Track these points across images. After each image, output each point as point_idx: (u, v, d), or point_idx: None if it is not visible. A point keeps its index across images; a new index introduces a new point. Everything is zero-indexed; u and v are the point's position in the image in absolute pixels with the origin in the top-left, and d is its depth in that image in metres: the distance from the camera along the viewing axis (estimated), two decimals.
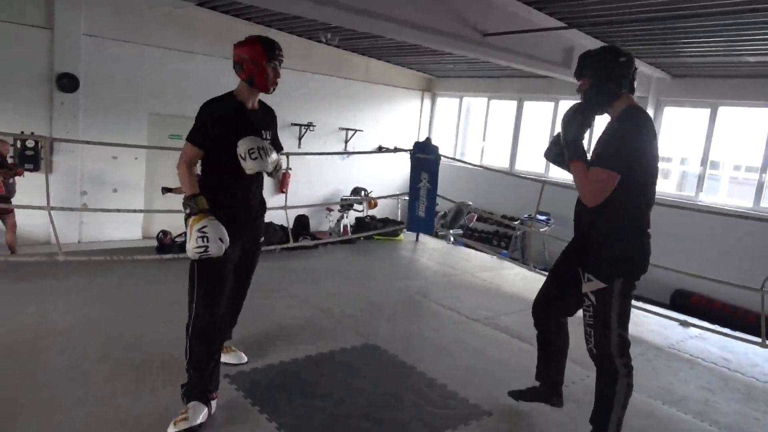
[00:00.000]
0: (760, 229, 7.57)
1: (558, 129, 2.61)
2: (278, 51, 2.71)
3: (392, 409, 2.96)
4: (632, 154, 2.35)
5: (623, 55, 2.47)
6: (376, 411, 2.91)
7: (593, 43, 7.84)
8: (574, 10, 6.65)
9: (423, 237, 7.31)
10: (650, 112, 9.66)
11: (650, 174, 2.42)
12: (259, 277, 4.99)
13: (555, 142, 2.63)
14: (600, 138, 2.55)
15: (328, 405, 2.92)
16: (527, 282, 5.79)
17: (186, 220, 2.56)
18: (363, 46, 10.63)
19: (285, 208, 5.87)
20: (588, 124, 2.52)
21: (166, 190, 7.71)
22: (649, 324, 4.84)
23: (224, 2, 8.64)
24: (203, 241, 2.49)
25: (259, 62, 2.65)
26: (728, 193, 9.36)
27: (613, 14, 6.54)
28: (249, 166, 2.61)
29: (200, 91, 10.56)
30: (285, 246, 5.81)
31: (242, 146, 2.61)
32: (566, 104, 11.08)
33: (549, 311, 2.83)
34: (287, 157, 5.89)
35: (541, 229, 9.61)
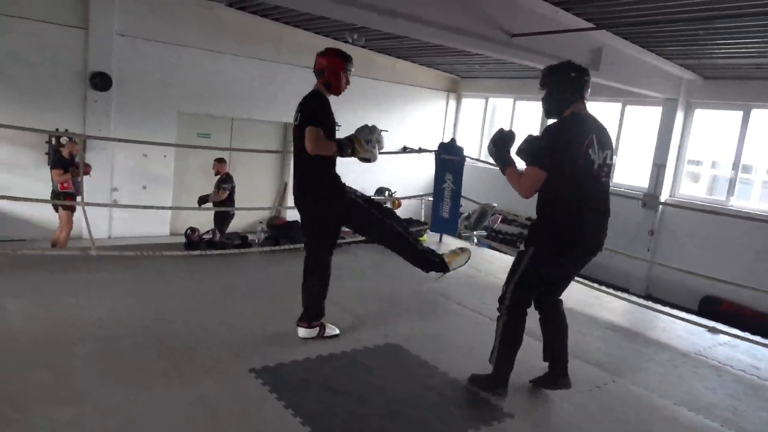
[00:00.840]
0: None
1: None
2: (351, 64, 3.41)
3: (414, 407, 2.98)
4: (555, 152, 2.79)
5: (574, 71, 2.93)
6: (398, 409, 2.93)
7: (622, 44, 7.76)
8: (603, 11, 6.58)
9: (446, 238, 7.30)
10: (680, 114, 9.51)
11: (578, 170, 2.80)
12: (285, 275, 5.09)
13: (490, 153, 3.15)
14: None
15: (350, 402, 2.95)
16: None
17: (352, 152, 3.33)
18: (389, 46, 10.66)
19: None
20: (508, 148, 3.06)
21: (202, 201, 7.94)
22: (676, 330, 4.76)
23: (252, 2, 8.76)
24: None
25: (337, 71, 3.33)
26: (761, 197, 9.15)
27: (642, 15, 6.46)
28: (376, 154, 3.41)
29: (229, 91, 10.80)
30: None
31: (372, 133, 3.38)
32: (594, 105, 10.94)
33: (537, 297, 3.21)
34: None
35: None
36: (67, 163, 7.40)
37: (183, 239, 5.77)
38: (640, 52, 8.06)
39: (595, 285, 5.78)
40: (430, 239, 7.24)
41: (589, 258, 3.05)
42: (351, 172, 12.68)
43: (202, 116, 10.04)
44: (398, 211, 11.75)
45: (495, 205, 9.44)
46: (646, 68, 8.58)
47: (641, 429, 3.04)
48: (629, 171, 10.43)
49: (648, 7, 6.14)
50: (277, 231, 5.95)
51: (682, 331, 4.72)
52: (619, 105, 10.45)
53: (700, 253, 8.59)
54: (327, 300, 3.96)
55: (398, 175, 12.04)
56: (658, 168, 9.62)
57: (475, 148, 12.80)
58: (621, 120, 10.49)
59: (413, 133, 12.64)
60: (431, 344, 3.84)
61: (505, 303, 3.05)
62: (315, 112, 3.27)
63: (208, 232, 5.87)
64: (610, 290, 5.69)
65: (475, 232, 9.08)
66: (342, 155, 3.32)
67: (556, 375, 3.19)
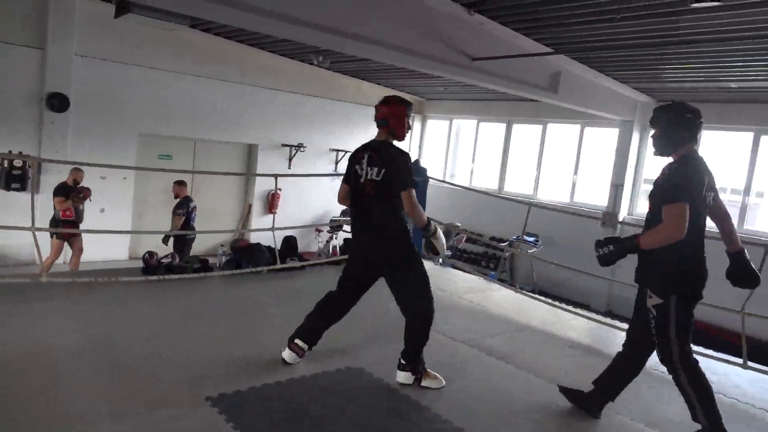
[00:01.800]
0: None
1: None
2: (412, 109, 3.50)
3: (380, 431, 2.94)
4: (692, 188, 2.83)
5: (691, 112, 2.96)
6: None
7: (580, 68, 8.01)
8: (560, 37, 6.79)
9: None
10: (636, 135, 9.83)
11: (701, 209, 2.90)
12: (244, 299, 5.01)
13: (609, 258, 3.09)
14: (659, 179, 2.99)
15: (311, 428, 2.90)
16: (513, 304, 5.80)
17: (432, 236, 3.44)
18: (354, 69, 10.76)
19: (273, 229, 5.87)
20: (621, 242, 3.03)
21: (166, 238, 7.81)
22: None
23: (216, 24, 8.75)
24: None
25: (401, 117, 3.42)
26: None
27: (597, 40, 6.68)
28: (444, 248, 3.64)
29: (191, 112, 10.70)
30: (272, 267, 5.80)
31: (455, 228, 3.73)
32: (554, 127, 11.23)
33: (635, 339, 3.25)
34: (275, 179, 5.93)
35: (529, 251, 9.66)
36: (68, 190, 7.22)
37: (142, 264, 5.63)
38: (597, 76, 8.33)
39: (556, 303, 5.85)
40: None
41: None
42: (321, 193, 12.59)
43: (164, 138, 9.89)
44: None
45: (459, 224, 9.53)
46: (603, 91, 8.86)
47: None
48: (589, 191, 10.69)
49: (602, 33, 6.36)
50: (239, 254, 5.85)
51: None
52: (578, 127, 10.74)
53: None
54: (287, 321, 3.92)
55: None
56: (616, 188, 9.90)
57: (440, 168, 12.94)
58: (580, 141, 10.78)
59: None
60: (395, 367, 3.81)
61: (674, 358, 2.97)
62: (408, 172, 3.33)
63: (166, 255, 5.74)
64: (570, 308, 5.77)
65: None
66: (426, 233, 3.42)
67: (593, 403, 3.32)
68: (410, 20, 6.14)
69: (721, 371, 4.36)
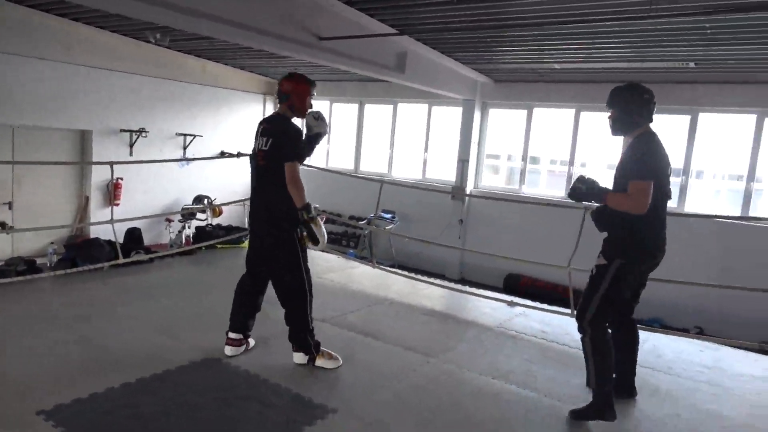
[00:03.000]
0: (571, 215, 8.60)
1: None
2: (315, 87, 3.56)
3: (235, 422, 2.86)
4: (652, 165, 2.94)
5: (647, 93, 3.06)
6: (215, 428, 2.80)
7: (424, 49, 8.32)
8: (403, 18, 6.97)
9: None
10: (477, 113, 10.51)
11: (664, 183, 3.02)
12: (83, 300, 4.56)
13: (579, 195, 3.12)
14: (624, 157, 3.08)
15: (162, 428, 2.74)
16: (372, 279, 5.97)
17: (308, 221, 3.31)
18: (197, 48, 10.13)
19: (112, 222, 5.38)
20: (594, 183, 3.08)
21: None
22: (482, 308, 5.25)
23: None
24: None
25: (303, 95, 3.47)
26: (547, 184, 10.51)
27: (438, 22, 6.98)
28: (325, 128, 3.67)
29: (7, 95, 9.34)
30: (114, 263, 5.34)
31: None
32: (404, 107, 11.61)
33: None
34: (111, 167, 5.45)
35: (386, 227, 9.98)
36: None
37: None
38: (440, 56, 8.72)
39: (411, 275, 6.13)
40: None
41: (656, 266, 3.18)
42: (170, 180, 11.84)
43: None
44: (219, 219, 11.33)
45: (317, 206, 9.51)
46: (446, 72, 9.32)
47: (452, 402, 3.29)
48: (439, 167, 11.26)
49: (442, 15, 6.65)
50: (73, 251, 5.30)
51: (487, 308, 5.22)
52: (426, 106, 11.22)
53: (502, 236, 9.59)
54: (135, 319, 3.65)
55: (217, 182, 11.54)
56: (463, 163, 10.53)
57: None
58: (429, 120, 11.28)
59: (231, 138, 12.20)
60: (252, 353, 3.73)
61: (586, 318, 3.05)
62: (294, 144, 3.37)
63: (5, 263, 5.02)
64: (424, 278, 6.08)
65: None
66: (305, 214, 3.33)
67: (631, 383, 3.40)
68: None
69: (555, 323, 4.87)
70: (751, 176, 7.95)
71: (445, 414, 3.15)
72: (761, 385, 3.90)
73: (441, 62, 8.95)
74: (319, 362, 3.53)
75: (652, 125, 3.10)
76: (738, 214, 8.00)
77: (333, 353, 3.61)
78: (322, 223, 3.47)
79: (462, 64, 9.28)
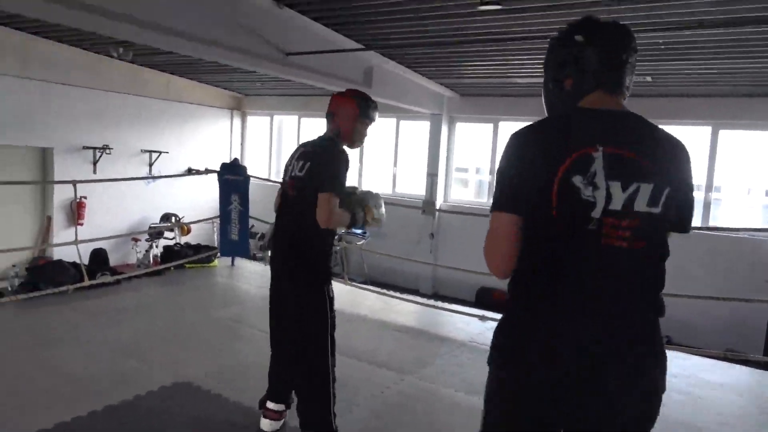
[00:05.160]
0: None
1: None
2: (374, 111, 2.90)
3: None
4: None
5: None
6: None
7: (391, 65, 8.42)
8: (369, 33, 7.05)
9: (240, 261, 7.10)
10: (445, 127, 10.65)
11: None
12: (46, 325, 4.42)
13: None
14: None
15: None
16: (344, 296, 5.93)
17: (360, 221, 2.95)
18: (162, 62, 10.01)
19: (76, 243, 5.23)
20: None
21: None
22: (455, 323, 5.28)
23: None
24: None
25: (350, 118, 2.81)
26: None
27: (404, 38, 7.08)
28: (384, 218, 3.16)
29: None
30: (79, 285, 5.19)
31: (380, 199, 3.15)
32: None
33: None
34: (74, 186, 5.32)
35: (358, 243, 9.97)
36: None
37: None
38: (406, 71, 8.82)
39: (384, 291, 6.13)
40: (222, 263, 6.96)
41: None
42: (136, 198, 11.58)
43: None
44: (188, 237, 11.14)
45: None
46: (413, 86, 9.42)
47: (428, 419, 3.29)
48: (408, 181, 11.33)
49: (407, 30, 6.74)
50: (35, 273, 5.13)
51: (460, 323, 5.25)
52: (394, 120, 11.30)
53: (474, 250, 9.65)
54: (102, 344, 3.53)
55: (185, 199, 11.36)
56: (432, 177, 10.63)
57: (264, 166, 12.69)
58: (397, 134, 11.36)
59: (198, 154, 12.05)
60: (224, 376, 3.67)
61: None
62: (333, 175, 2.63)
63: None
64: (397, 294, 6.08)
65: (269, 252, 8.98)
66: (355, 225, 2.95)
67: None
68: (217, 11, 5.88)
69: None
70: (709, 187, 8.25)
71: (422, 431, 3.14)
72: (729, 393, 4.02)
73: (408, 77, 9.05)
74: None
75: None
76: (698, 224, 8.29)
77: None
78: (374, 201, 3.02)
79: (428, 79, 9.41)
